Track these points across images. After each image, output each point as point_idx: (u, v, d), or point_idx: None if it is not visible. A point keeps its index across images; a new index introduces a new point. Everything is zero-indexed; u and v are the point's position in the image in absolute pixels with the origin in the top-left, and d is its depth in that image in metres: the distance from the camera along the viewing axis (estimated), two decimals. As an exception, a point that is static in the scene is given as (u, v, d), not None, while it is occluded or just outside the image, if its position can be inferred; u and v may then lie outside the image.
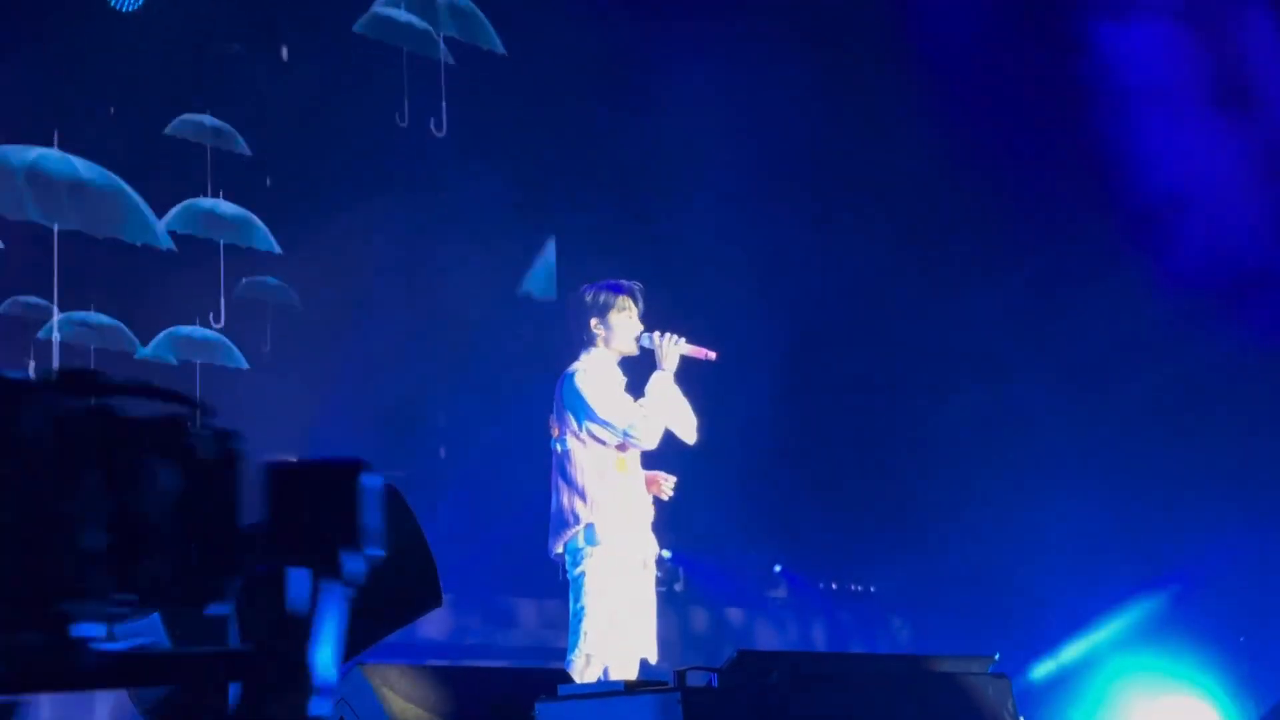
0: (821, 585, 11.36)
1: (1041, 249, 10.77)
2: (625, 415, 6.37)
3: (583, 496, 6.36)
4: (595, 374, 6.48)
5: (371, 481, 3.24)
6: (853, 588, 11.52)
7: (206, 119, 9.71)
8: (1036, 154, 10.82)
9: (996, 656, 4.43)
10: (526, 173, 10.57)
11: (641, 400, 6.43)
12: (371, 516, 3.24)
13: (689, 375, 6.72)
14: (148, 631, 3.11)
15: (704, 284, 10.41)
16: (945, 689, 4.35)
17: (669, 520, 6.85)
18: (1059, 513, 10.05)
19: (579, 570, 6.34)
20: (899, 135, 10.70)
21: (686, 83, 10.64)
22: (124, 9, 9.39)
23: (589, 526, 6.32)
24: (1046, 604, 10.13)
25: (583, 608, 6.28)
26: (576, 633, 6.28)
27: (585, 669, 6.16)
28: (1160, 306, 10.17)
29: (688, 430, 6.58)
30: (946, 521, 10.59)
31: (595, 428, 6.38)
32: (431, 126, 10.51)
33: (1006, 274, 10.71)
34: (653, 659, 6.44)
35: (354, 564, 3.24)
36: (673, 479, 6.60)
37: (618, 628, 6.28)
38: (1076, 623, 10.20)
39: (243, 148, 9.87)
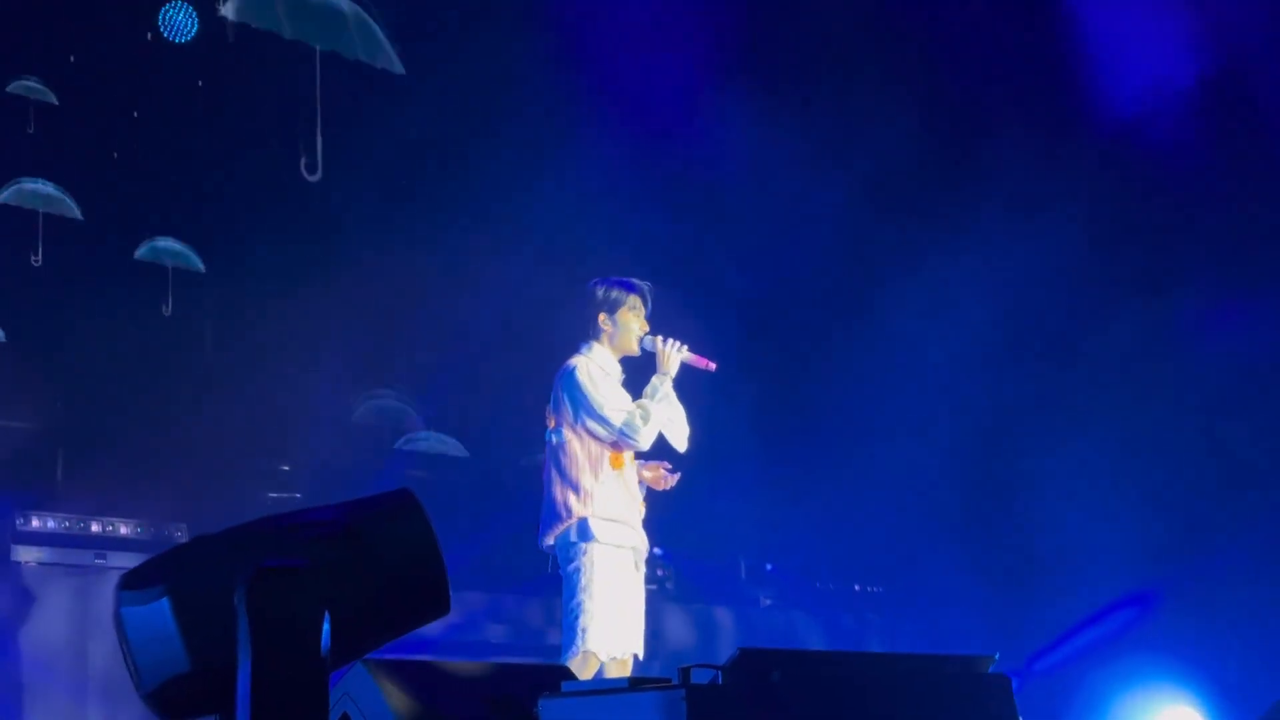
0: (819, 585, 11.36)
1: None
2: (622, 415, 6.38)
3: (576, 490, 6.35)
4: (596, 370, 6.48)
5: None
6: (856, 588, 11.53)
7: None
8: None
9: (997, 656, 4.43)
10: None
11: (640, 401, 6.44)
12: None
13: (691, 381, 6.72)
14: (158, 619, 3.13)
15: (700, 282, 10.42)
16: (946, 688, 4.34)
17: (659, 517, 6.84)
18: (1057, 516, 10.06)
19: (572, 566, 6.33)
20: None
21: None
22: (177, 40, 9.50)
23: (582, 521, 6.33)
24: (1044, 605, 10.13)
25: (578, 604, 6.26)
26: (572, 630, 6.26)
27: (583, 666, 6.15)
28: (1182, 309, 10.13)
29: (679, 438, 6.61)
30: (940, 521, 10.60)
31: (592, 424, 6.39)
32: None
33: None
34: (640, 655, 6.44)
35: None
36: (675, 476, 6.62)
37: (613, 624, 6.27)
38: (1070, 625, 10.21)
39: None
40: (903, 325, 10.78)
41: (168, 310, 10.04)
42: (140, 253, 10.02)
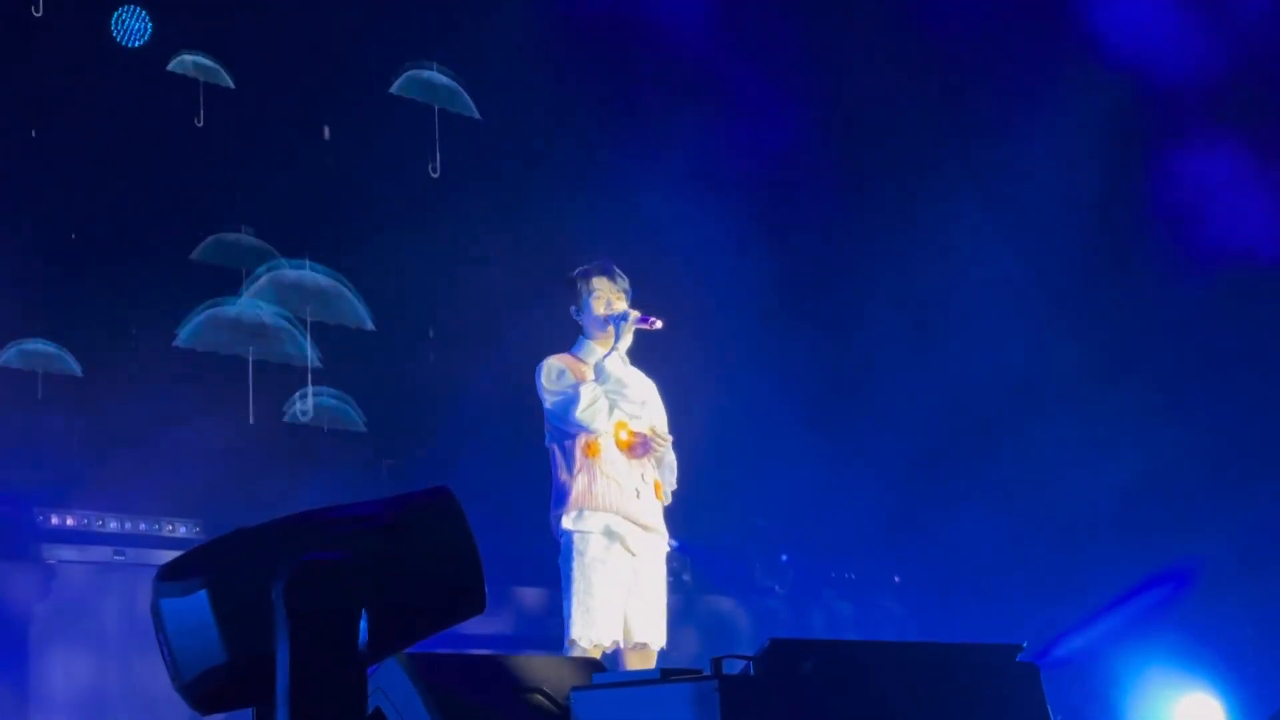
0: (834, 574, 11.36)
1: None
2: (561, 400, 6.36)
3: (556, 487, 6.46)
4: (552, 363, 6.49)
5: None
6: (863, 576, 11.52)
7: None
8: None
9: (1025, 645, 4.43)
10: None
11: (588, 383, 6.40)
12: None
13: (694, 366, 6.70)
14: (196, 611, 3.13)
15: (705, 268, 10.41)
16: (975, 678, 4.35)
17: (676, 509, 6.84)
18: (1069, 503, 10.04)
19: (561, 559, 6.43)
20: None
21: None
22: (131, 44, 9.37)
23: (558, 516, 6.41)
24: (1062, 591, 10.12)
25: (565, 595, 6.37)
26: (565, 621, 6.36)
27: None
28: (1185, 288, 10.09)
29: (636, 409, 6.50)
30: (955, 508, 10.59)
31: (548, 414, 6.44)
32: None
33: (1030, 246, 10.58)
34: (654, 645, 6.43)
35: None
36: (664, 438, 6.53)
37: (593, 613, 6.28)
38: (1089, 611, 10.19)
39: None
40: (919, 304, 10.79)
41: (200, 121, 10.03)
42: (172, 65, 9.88)
